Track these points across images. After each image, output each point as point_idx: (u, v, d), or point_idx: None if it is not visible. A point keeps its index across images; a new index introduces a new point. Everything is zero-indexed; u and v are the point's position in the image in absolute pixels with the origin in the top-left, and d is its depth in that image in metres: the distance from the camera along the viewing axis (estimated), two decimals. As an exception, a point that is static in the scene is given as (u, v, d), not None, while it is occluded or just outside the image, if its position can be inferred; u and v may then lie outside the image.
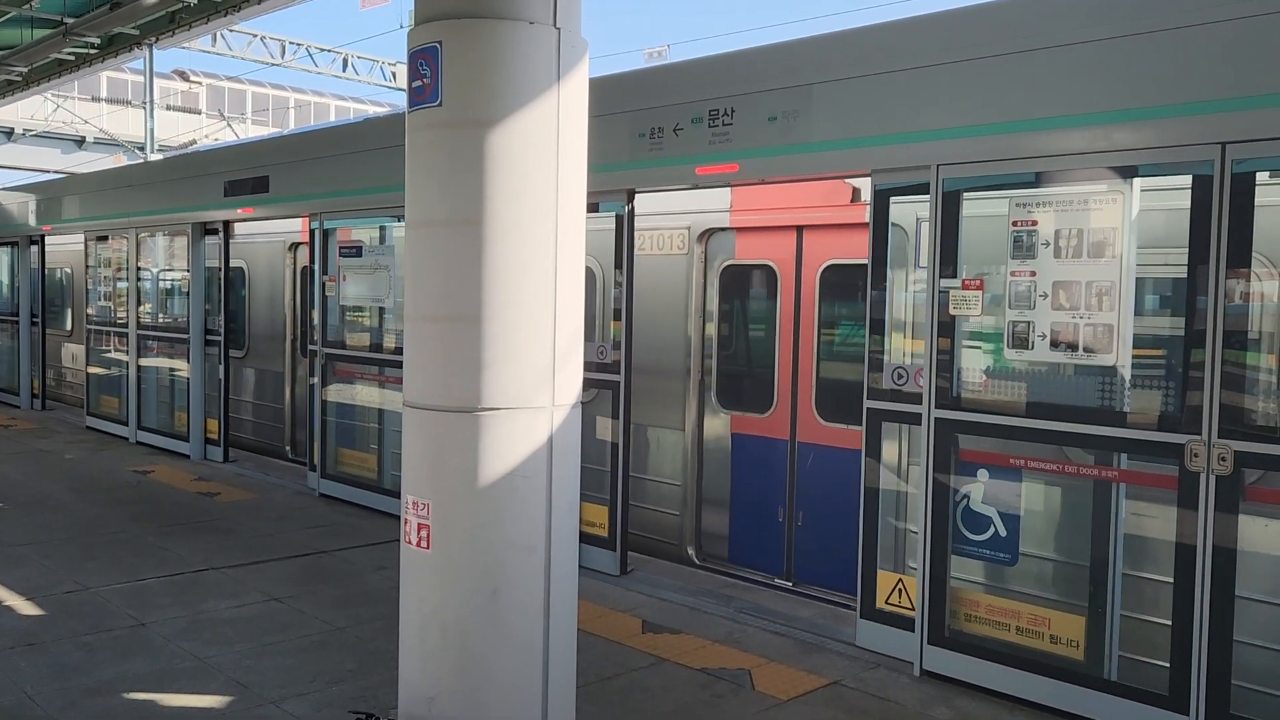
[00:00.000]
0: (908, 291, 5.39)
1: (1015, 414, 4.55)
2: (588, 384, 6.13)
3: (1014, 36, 4.41)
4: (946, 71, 4.62)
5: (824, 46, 5.18)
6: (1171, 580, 4.07)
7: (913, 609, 4.83)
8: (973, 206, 4.75)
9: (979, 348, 4.86)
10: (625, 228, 5.91)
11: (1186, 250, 4.03)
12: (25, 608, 5.46)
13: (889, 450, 5.10)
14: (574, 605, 3.78)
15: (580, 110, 3.73)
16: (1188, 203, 4.03)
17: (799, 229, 6.00)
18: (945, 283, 4.70)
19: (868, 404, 5.06)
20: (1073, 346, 4.38)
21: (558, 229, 3.63)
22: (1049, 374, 4.67)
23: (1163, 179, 4.27)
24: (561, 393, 3.66)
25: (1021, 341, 4.51)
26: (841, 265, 5.90)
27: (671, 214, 6.48)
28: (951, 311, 4.70)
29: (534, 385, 3.58)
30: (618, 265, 5.98)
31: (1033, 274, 4.46)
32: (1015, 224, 4.53)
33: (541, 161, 3.58)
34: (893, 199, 5.18)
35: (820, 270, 5.92)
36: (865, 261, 5.86)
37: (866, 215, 5.70)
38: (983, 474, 4.92)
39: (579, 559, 3.92)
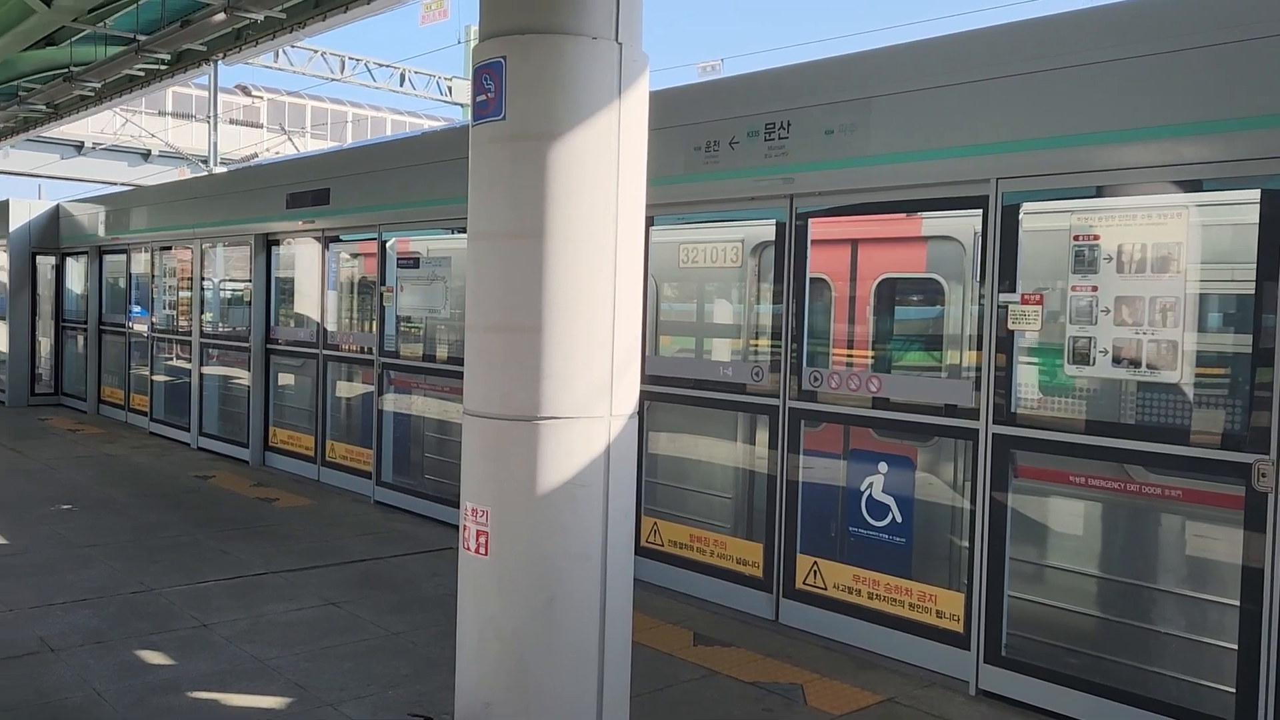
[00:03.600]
0: (965, 306, 5.37)
1: (1075, 431, 4.50)
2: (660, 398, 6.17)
3: (1075, 49, 4.38)
4: (1006, 84, 4.59)
5: (883, 59, 5.17)
6: (1238, 604, 3.98)
7: (960, 627, 4.78)
8: (1032, 221, 4.71)
9: (1037, 363, 4.81)
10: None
11: (1254, 266, 3.96)
12: (93, 607, 5.61)
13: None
14: (629, 615, 3.80)
15: (640, 124, 3.78)
16: (1255, 217, 3.96)
17: (854, 242, 5.99)
18: (1004, 297, 4.66)
19: (923, 419, 5.03)
20: (1135, 363, 4.31)
21: (617, 241, 3.67)
22: (1110, 390, 4.61)
23: (1229, 193, 4.21)
24: (619, 403, 3.70)
25: (1082, 357, 4.46)
26: (897, 279, 5.87)
27: (725, 226, 6.50)
28: (1010, 326, 4.66)
29: (592, 395, 3.62)
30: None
31: (1094, 289, 4.41)
32: (1076, 238, 4.48)
33: (602, 174, 3.62)
34: (947, 212, 5.18)
35: (875, 284, 5.89)
36: (921, 275, 5.86)
37: (923, 229, 5.72)
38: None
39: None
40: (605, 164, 3.62)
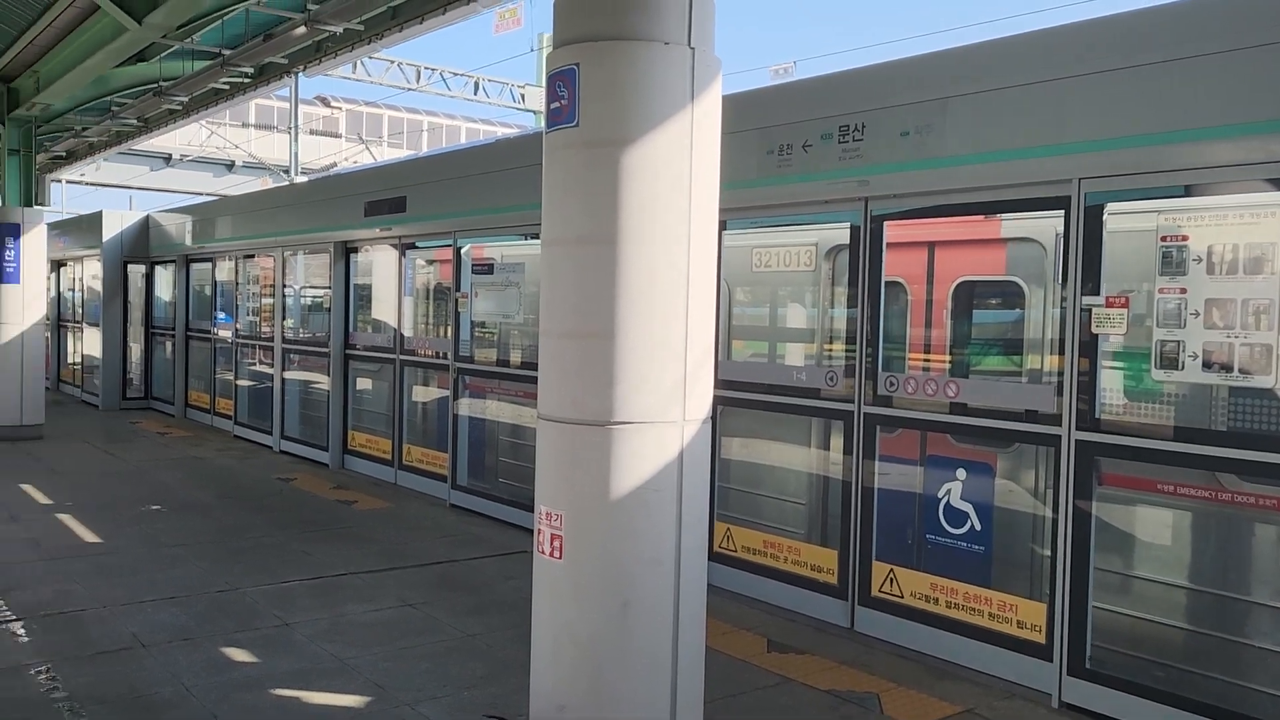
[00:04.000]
0: (1046, 309, 5.24)
1: (1162, 437, 4.35)
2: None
3: (1161, 45, 4.24)
4: (1089, 82, 4.47)
5: (959, 59, 5.08)
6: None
7: (1044, 639, 4.66)
8: (1116, 221, 4.58)
9: (1123, 368, 4.68)
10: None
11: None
12: (181, 605, 5.80)
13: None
14: (702, 620, 3.79)
15: (713, 128, 3.77)
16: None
17: (930, 245, 5.89)
18: (1088, 300, 4.54)
19: (1003, 424, 4.93)
20: (1227, 367, 4.16)
21: (690, 246, 3.66)
22: (1199, 396, 4.45)
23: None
24: (692, 408, 3.69)
25: (1170, 362, 4.32)
26: (975, 282, 5.76)
27: (798, 229, 6.45)
28: (1094, 330, 4.53)
29: (665, 400, 3.62)
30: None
31: (1183, 291, 4.27)
32: (1164, 239, 4.35)
33: (675, 180, 3.62)
34: (1027, 213, 5.07)
35: (953, 287, 5.79)
36: (1000, 278, 5.74)
37: (1001, 231, 5.60)
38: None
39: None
40: (678, 169, 3.62)
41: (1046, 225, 5.09)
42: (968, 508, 5.19)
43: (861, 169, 5.39)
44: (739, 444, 6.77)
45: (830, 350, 6.23)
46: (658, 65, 3.58)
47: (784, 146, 5.78)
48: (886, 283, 5.58)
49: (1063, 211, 4.68)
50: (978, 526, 5.16)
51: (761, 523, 6.37)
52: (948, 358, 5.79)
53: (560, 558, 3.64)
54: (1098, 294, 4.52)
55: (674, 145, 3.62)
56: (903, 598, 5.35)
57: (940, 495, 5.29)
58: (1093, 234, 4.55)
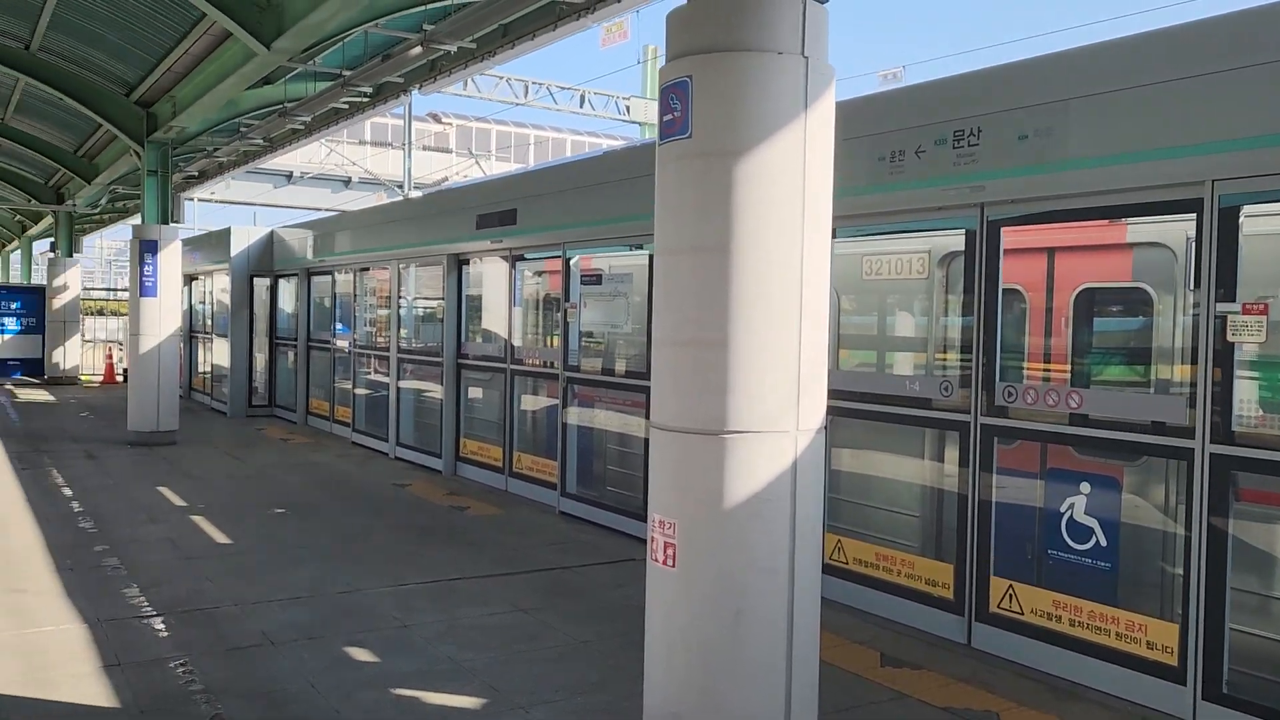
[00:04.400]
0: (1176, 316, 5.03)
1: (1308, 451, 4.13)
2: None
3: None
4: (1222, 79, 4.27)
5: (1081, 59, 4.92)
6: None
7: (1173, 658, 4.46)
8: (1254, 224, 4.37)
9: (1261, 378, 4.46)
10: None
11: None
12: (306, 605, 6.03)
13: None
14: (816, 631, 3.76)
15: (826, 137, 3.75)
16: None
17: (1050, 251, 5.72)
18: (1222, 307, 4.34)
19: (1129, 437, 4.75)
20: (1379, 377, 3.92)
21: (803, 254, 3.65)
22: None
23: None
24: (805, 417, 3.67)
25: (1315, 371, 4.09)
26: (1098, 289, 5.56)
27: (910, 236, 6.34)
28: (1229, 338, 4.33)
29: (778, 410, 3.61)
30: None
31: (1330, 296, 4.05)
32: (1307, 242, 4.13)
33: (788, 189, 3.62)
34: (1155, 217, 4.88)
35: (1074, 295, 5.60)
36: (1126, 285, 5.53)
37: (1127, 235, 5.40)
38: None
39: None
40: (791, 178, 3.62)
41: (1176, 229, 4.89)
42: (1092, 523, 5.01)
43: (977, 174, 5.27)
44: (848, 455, 6.68)
45: (944, 360, 6.10)
46: (771, 75, 3.58)
47: (896, 153, 5.70)
48: (1004, 290, 5.44)
49: (1194, 214, 4.49)
50: (1103, 542, 4.97)
51: (873, 535, 6.27)
52: (1069, 367, 5.60)
53: (674, 566, 3.66)
54: (1233, 300, 4.32)
55: (787, 155, 3.61)
56: (1023, 614, 5.19)
57: (1063, 510, 5.12)
58: (1227, 237, 4.35)
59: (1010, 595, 5.25)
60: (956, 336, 5.83)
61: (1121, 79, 4.65)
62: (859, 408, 6.17)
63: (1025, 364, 5.70)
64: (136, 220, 15.41)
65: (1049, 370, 5.64)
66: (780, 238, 3.61)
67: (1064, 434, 5.08)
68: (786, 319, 3.62)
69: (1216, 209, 4.38)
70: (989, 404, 5.38)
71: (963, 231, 5.57)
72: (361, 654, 5.21)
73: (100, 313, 34.23)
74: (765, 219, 3.58)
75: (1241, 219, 4.34)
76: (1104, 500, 5.01)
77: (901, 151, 5.67)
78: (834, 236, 6.23)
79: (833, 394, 6.23)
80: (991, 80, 5.35)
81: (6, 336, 22.29)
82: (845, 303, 7.08)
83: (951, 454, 5.72)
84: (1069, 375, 5.54)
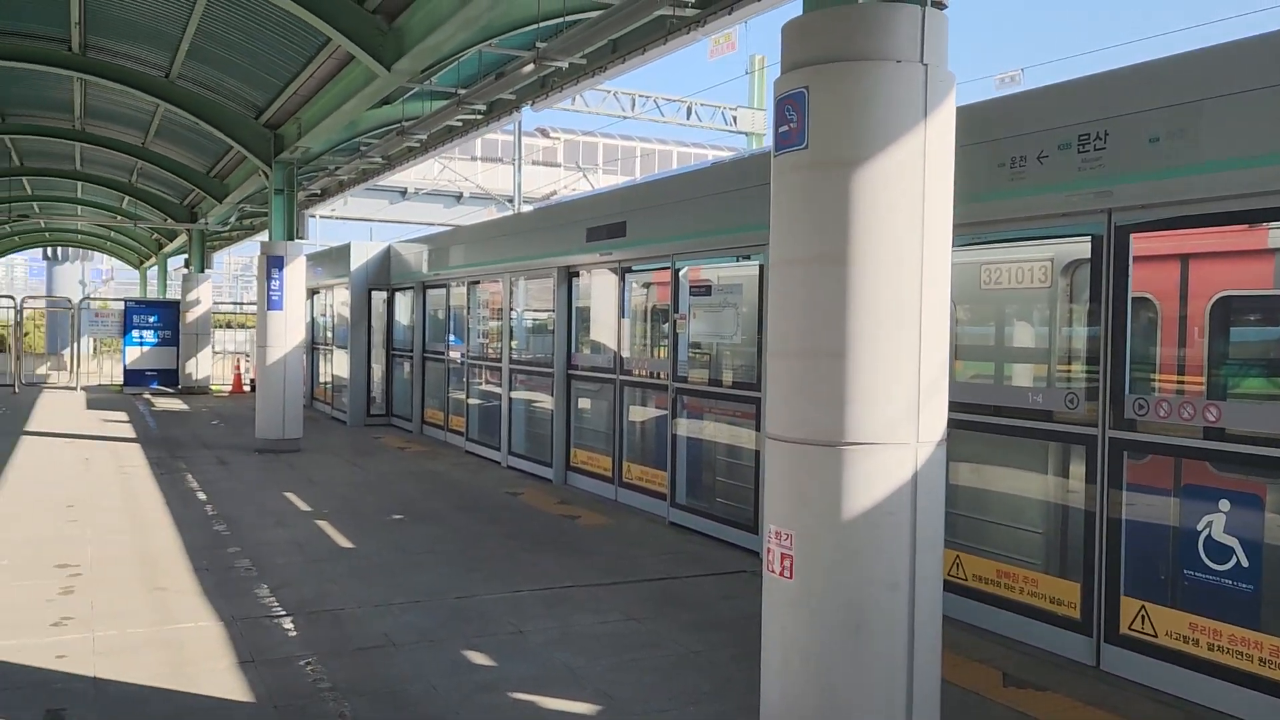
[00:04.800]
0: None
1: None
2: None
3: None
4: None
5: (1217, 57, 4.71)
6: None
7: None
8: None
9: None
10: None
11: None
12: (425, 609, 6.19)
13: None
14: (938, 648, 3.69)
15: (947, 145, 3.69)
16: None
17: (1184, 257, 5.47)
18: (1377, 315, 4.09)
19: (1274, 452, 4.50)
20: None
21: (923, 264, 3.60)
22: None
23: None
24: (926, 429, 3.61)
25: None
26: (1237, 297, 5.30)
27: (1031, 244, 6.16)
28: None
29: (897, 421, 3.56)
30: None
31: None
32: None
33: (906, 197, 3.57)
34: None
35: (1210, 303, 5.35)
36: (1270, 292, 5.26)
37: (1269, 240, 5.14)
38: None
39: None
40: (910, 187, 3.57)
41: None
42: (1233, 542, 4.76)
43: (1104, 179, 5.09)
44: (965, 468, 6.52)
45: (1069, 371, 5.90)
46: (889, 84, 3.55)
47: (1017, 159, 5.55)
48: (1133, 298, 5.24)
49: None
50: (1245, 563, 4.72)
51: (993, 551, 6.10)
52: (1204, 379, 5.35)
53: (790, 577, 3.64)
54: (1390, 308, 4.06)
55: (906, 164, 3.57)
56: (1156, 637, 4.97)
57: (1200, 528, 4.89)
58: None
59: (1143, 616, 5.04)
60: (1082, 347, 5.64)
61: (1259, 78, 4.43)
62: (977, 420, 6.02)
63: (1157, 376, 5.47)
64: (263, 237, 16.15)
65: (1183, 382, 5.39)
66: (898, 247, 3.57)
67: (1201, 449, 4.85)
68: (905, 329, 3.58)
69: (1370, 211, 4.13)
70: (1118, 417, 5.17)
71: (1088, 238, 5.39)
72: (479, 658, 5.33)
73: (228, 325, 35.95)
74: (883, 228, 3.55)
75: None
76: (1246, 519, 4.77)
77: (1023, 157, 5.52)
78: (952, 245, 6.15)
79: (951, 406, 6.10)
80: (1119, 82, 5.17)
81: (145, 349, 23.57)
82: (961, 312, 6.91)
83: (1077, 469, 5.52)
84: (1204, 387, 5.29)
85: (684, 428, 9.06)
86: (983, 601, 5.92)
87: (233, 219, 23.79)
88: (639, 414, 10.12)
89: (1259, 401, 5.17)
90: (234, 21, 11.05)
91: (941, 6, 3.77)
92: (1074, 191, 5.24)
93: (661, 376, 9.33)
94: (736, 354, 8.64)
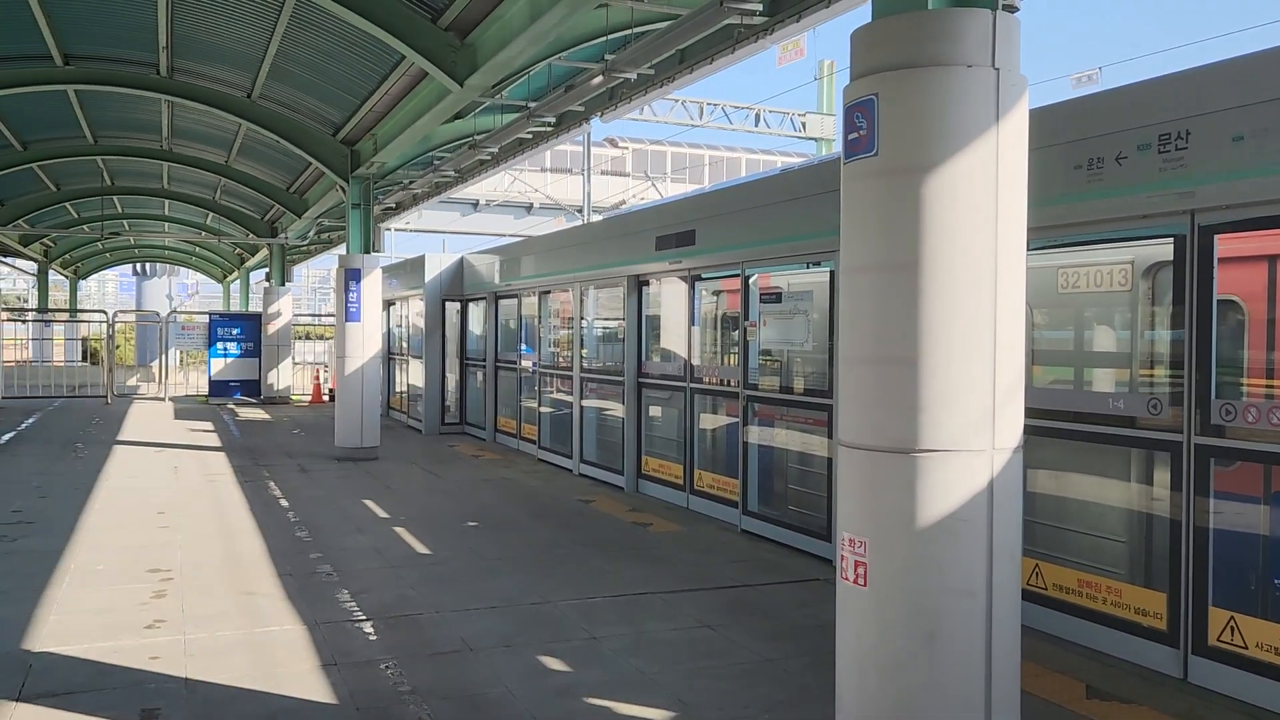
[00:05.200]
0: None
1: None
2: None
3: None
4: None
5: (1303, 52, 4.58)
6: None
7: None
8: None
9: None
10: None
11: None
12: (502, 614, 6.30)
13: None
14: (1016, 657, 3.64)
15: (1020, 150, 3.65)
16: None
17: (1272, 259, 5.31)
18: None
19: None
20: None
21: (997, 269, 3.57)
22: None
23: None
24: (1002, 436, 3.57)
25: None
26: (1329, 297, 5.13)
27: (1111, 247, 6.03)
28: None
29: (972, 428, 3.53)
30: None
31: None
32: None
33: (979, 203, 3.55)
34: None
35: (1300, 304, 5.19)
36: (1361, 293, 5.08)
37: (1362, 239, 4.97)
38: None
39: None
40: (982, 193, 3.54)
41: None
42: (1326, 552, 4.61)
43: (1186, 179, 4.98)
44: (1044, 475, 6.40)
45: (1151, 376, 5.76)
46: (959, 90, 3.53)
47: (1094, 160, 5.45)
48: (1218, 301, 5.10)
49: None
50: (1339, 573, 4.56)
51: (1074, 560, 5.98)
52: (1295, 383, 5.18)
53: (865, 585, 3.63)
54: None
55: (978, 169, 3.54)
56: (1246, 649, 4.82)
57: (1291, 537, 4.74)
58: None
59: (1232, 628, 4.89)
60: (1165, 351, 5.50)
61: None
62: (1056, 426, 5.91)
63: (1244, 380, 5.31)
64: (341, 250, 16.58)
65: (1272, 387, 5.23)
66: (970, 253, 3.54)
67: (1290, 455, 4.70)
68: (979, 336, 3.54)
69: None
70: (1204, 423, 5.04)
71: (1170, 240, 5.27)
72: (554, 663, 5.40)
73: (306, 337, 36.87)
74: (954, 235, 3.52)
75: None
76: (1340, 527, 4.60)
77: (1100, 159, 5.42)
78: (1028, 249, 6.06)
79: (1027, 412, 6.00)
80: (1199, 81, 5.04)
81: (229, 360, 24.33)
82: (1039, 317, 6.79)
83: (1161, 476, 5.39)
84: (1295, 392, 5.12)
85: (755, 435, 9.05)
86: (1064, 611, 5.80)
87: (311, 233, 24.44)
88: (710, 421, 10.13)
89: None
90: (312, 42, 11.40)
91: (1013, 10, 3.75)
92: (1155, 193, 5.13)
93: (732, 384, 9.34)
94: (807, 361, 8.60)
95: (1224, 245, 5.05)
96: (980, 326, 3.55)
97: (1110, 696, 4.89)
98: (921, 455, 3.53)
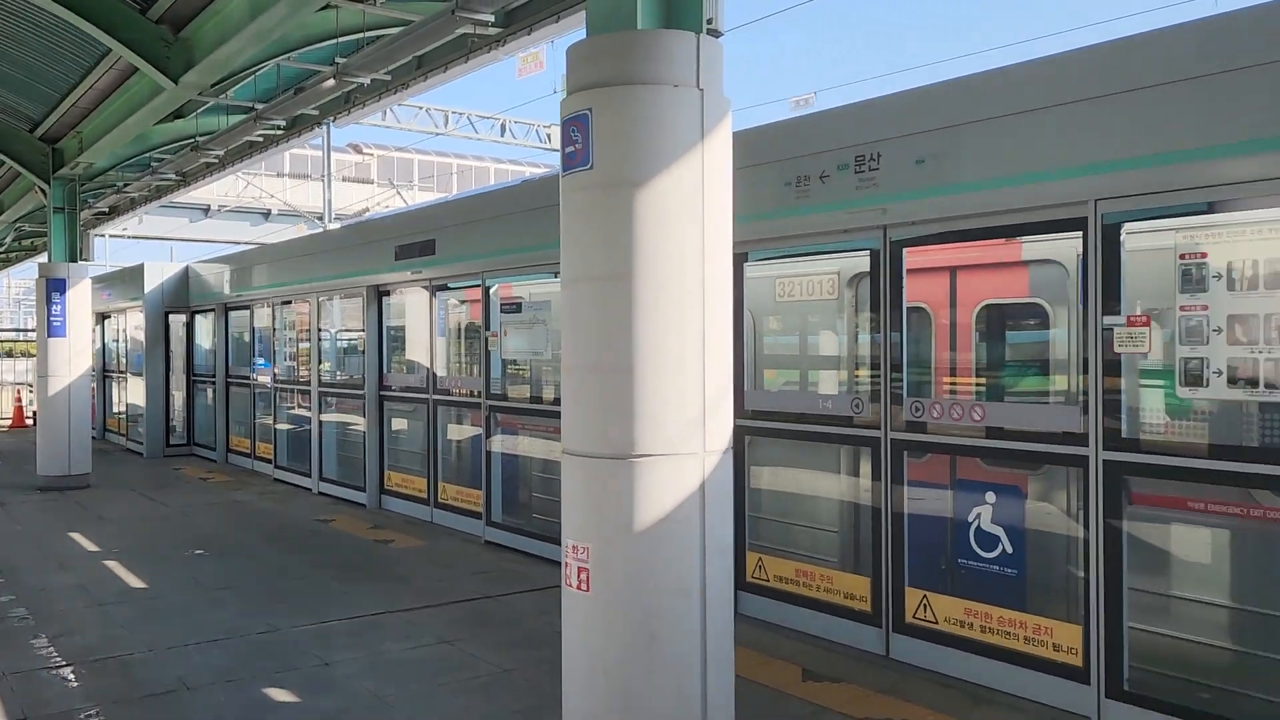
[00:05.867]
0: (1069, 329, 5.24)
1: (1193, 455, 4.34)
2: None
3: (1176, 65, 4.27)
4: (1103, 105, 4.49)
5: (970, 87, 5.13)
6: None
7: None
8: (1137, 241, 4.59)
9: (1148, 387, 4.67)
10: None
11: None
12: (225, 647, 5.90)
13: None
14: (730, 648, 3.82)
15: (724, 165, 3.86)
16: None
17: (952, 269, 5.92)
18: (1108, 320, 4.55)
19: (1031, 447, 4.93)
20: (1253, 382, 4.15)
21: (705, 280, 3.74)
22: (1230, 412, 4.43)
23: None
24: (712, 439, 3.75)
25: (1195, 379, 4.31)
26: (998, 305, 5.78)
27: (820, 258, 6.51)
28: (1116, 349, 4.53)
29: (685, 432, 3.68)
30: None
31: (1204, 308, 4.27)
32: (1183, 257, 4.36)
33: (687, 216, 3.71)
34: (1046, 235, 5.10)
35: (976, 311, 5.81)
36: (1024, 300, 5.75)
37: (1023, 253, 5.62)
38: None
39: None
40: (690, 206, 3.71)
41: (1067, 246, 5.11)
42: (999, 531, 5.18)
43: (879, 197, 5.45)
44: (771, 473, 6.79)
45: (857, 377, 6.26)
46: (667, 107, 3.68)
47: (801, 178, 5.86)
48: (910, 308, 5.62)
49: (1081, 233, 4.70)
50: (1009, 550, 5.14)
51: (794, 551, 6.38)
52: (974, 381, 5.80)
53: (588, 590, 3.70)
54: (1118, 314, 4.53)
55: (685, 183, 3.71)
56: (937, 623, 5.33)
57: (971, 520, 5.29)
58: (1111, 254, 4.57)
59: (925, 605, 5.39)
60: (867, 354, 5.99)
61: (1005, 105, 4.86)
62: (780, 427, 6.30)
63: (934, 379, 5.88)
64: (44, 258, 14.97)
65: (955, 385, 5.83)
66: (682, 264, 3.70)
67: (970, 446, 5.25)
68: (689, 343, 3.71)
69: (1100, 227, 4.59)
70: (899, 419, 5.53)
71: (868, 253, 5.74)
72: (281, 695, 5.12)
73: (9, 354, 33.10)
74: (665, 246, 3.67)
75: (1124, 236, 4.56)
76: (1009, 509, 5.19)
77: (806, 177, 5.83)
78: (746, 260, 6.43)
79: (754, 414, 6.38)
80: (888, 107, 5.54)
81: (-93, 382, 21.39)
82: (760, 323, 7.21)
83: (866, 469, 5.86)
84: (974, 389, 5.73)
85: (498, 445, 9.02)
86: (785, 601, 6.18)
87: (8, 239, 21.94)
88: (454, 433, 10.00)
89: (1020, 401, 5.64)
90: (3, 29, 10.24)
91: (717, 35, 3.94)
92: (853, 209, 5.58)
93: (475, 394, 9.26)
94: (548, 370, 8.68)
95: (911, 258, 5.57)
96: (691, 335, 3.72)
97: (823, 678, 5.25)
98: (639, 460, 3.64)
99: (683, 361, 3.69)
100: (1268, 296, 4.13)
